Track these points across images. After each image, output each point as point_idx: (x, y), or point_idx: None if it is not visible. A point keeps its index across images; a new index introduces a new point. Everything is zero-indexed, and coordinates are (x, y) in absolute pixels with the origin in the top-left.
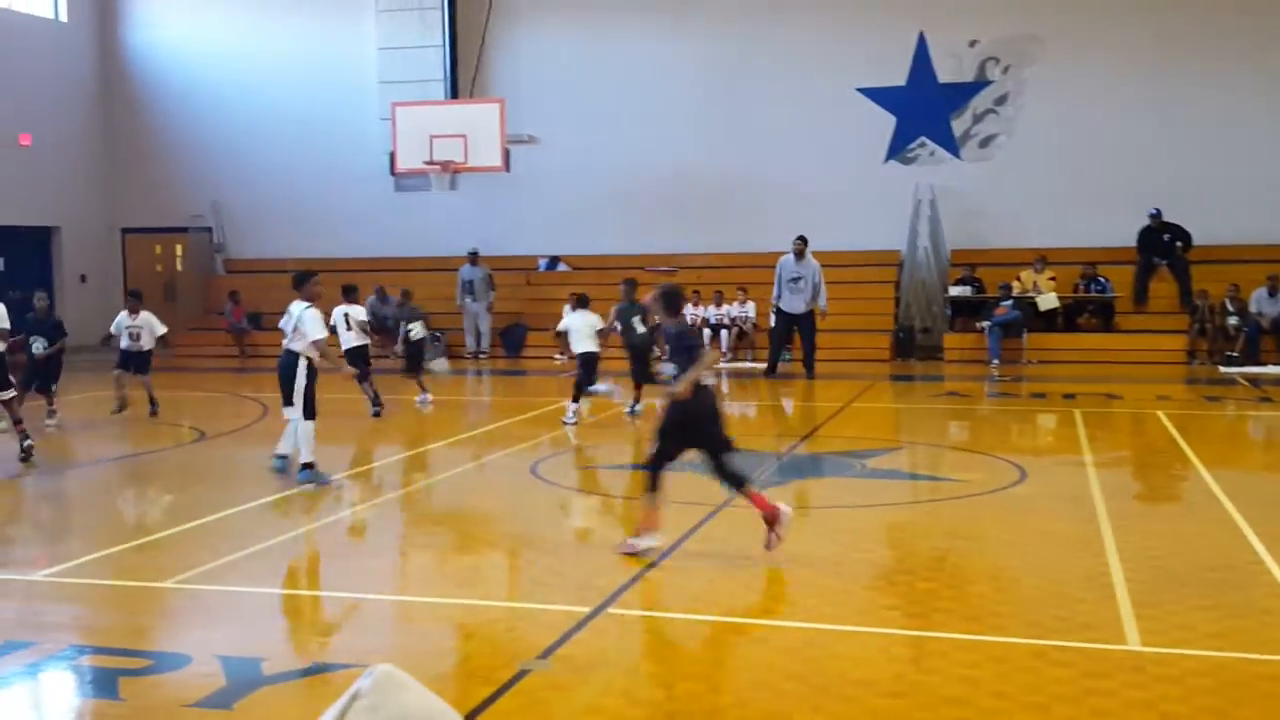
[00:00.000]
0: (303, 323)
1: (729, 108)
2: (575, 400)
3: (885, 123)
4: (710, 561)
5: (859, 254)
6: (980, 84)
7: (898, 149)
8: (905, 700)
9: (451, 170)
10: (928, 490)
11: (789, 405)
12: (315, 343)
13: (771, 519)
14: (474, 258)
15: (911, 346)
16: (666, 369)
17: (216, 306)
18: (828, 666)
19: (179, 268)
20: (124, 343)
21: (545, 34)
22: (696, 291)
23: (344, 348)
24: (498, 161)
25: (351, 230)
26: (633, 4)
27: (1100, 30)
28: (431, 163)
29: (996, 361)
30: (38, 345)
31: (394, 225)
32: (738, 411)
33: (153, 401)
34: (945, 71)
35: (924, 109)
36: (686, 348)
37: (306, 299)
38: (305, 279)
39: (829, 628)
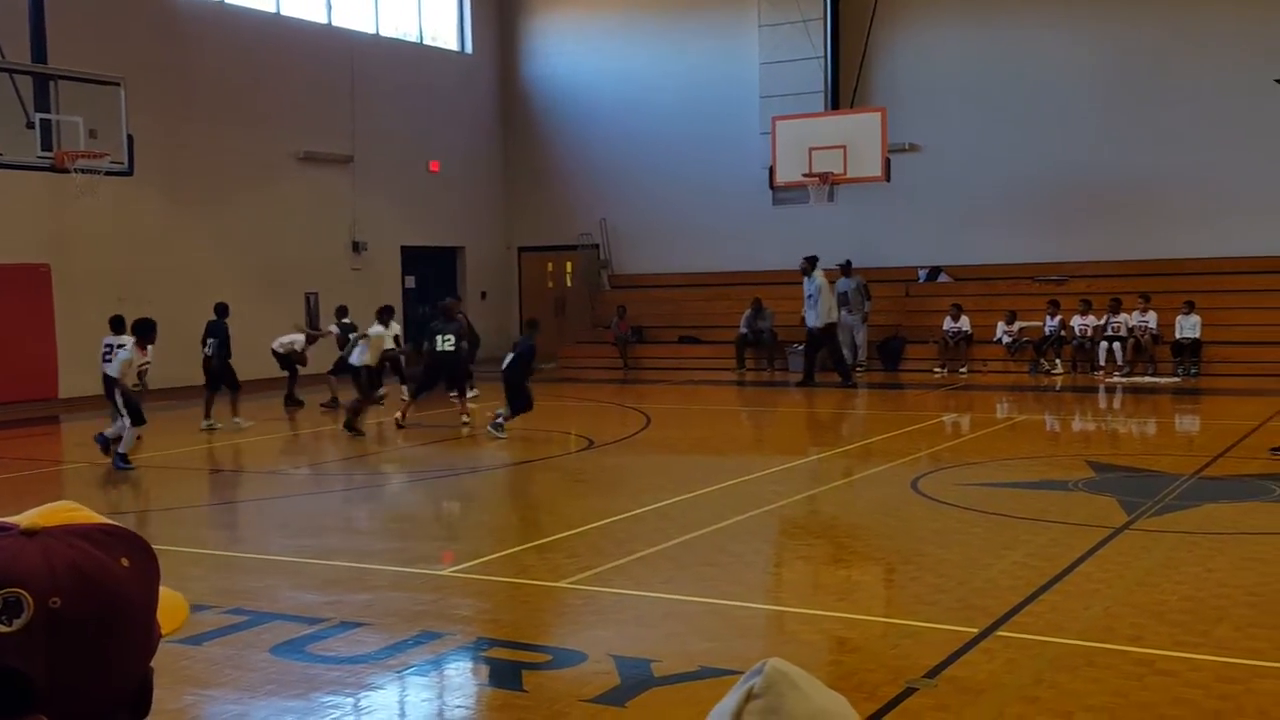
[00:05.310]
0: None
1: (1130, 103)
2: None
3: None
4: (1108, 586)
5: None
6: None
7: None
8: None
9: (830, 182)
10: None
11: (1194, 423)
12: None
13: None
14: (847, 269)
15: None
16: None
17: (602, 320)
18: (1245, 703)
19: (568, 284)
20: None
21: (929, 39)
22: (1086, 300)
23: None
24: (878, 172)
25: (729, 244)
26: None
27: None
28: (810, 175)
29: None
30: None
31: (770, 238)
32: (1137, 430)
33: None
34: None
35: None
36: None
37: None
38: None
39: (1245, 662)
